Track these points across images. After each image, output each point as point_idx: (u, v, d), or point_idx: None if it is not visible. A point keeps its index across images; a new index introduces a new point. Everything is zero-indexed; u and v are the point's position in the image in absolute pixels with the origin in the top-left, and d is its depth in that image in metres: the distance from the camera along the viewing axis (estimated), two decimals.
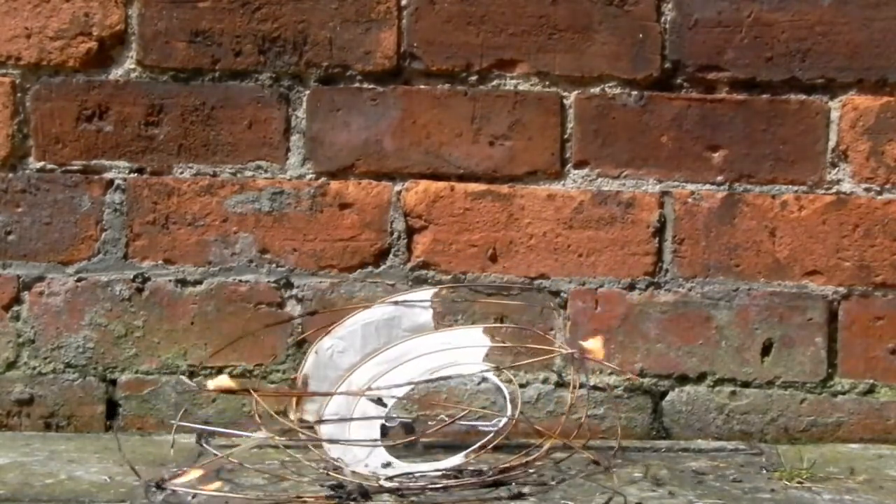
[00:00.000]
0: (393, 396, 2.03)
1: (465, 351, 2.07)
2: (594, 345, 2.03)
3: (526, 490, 1.85)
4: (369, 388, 2.03)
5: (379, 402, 2.04)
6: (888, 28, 2.15)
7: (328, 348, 2.07)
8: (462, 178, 2.19)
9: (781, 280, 2.18)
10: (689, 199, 2.18)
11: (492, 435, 1.97)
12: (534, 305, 2.18)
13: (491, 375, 2.08)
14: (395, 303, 2.10)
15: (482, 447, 1.94)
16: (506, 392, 2.07)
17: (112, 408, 2.22)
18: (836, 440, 2.18)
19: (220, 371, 2.19)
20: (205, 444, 2.02)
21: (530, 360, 2.11)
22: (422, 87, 2.18)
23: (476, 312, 2.18)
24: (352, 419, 2.01)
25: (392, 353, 2.08)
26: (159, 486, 1.82)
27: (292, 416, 2.02)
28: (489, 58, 2.18)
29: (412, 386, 2.05)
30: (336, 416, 2.01)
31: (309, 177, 2.20)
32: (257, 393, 2.00)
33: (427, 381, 2.06)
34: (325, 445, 1.96)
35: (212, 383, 2.03)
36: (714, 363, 2.19)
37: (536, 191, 2.18)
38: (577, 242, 2.19)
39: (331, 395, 2.03)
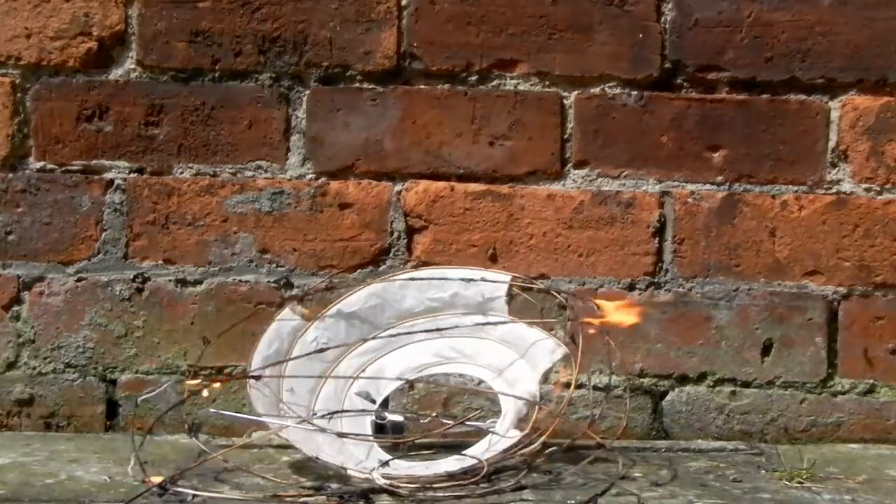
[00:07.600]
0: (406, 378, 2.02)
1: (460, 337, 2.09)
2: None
3: (527, 491, 1.85)
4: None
5: (367, 398, 2.04)
6: (888, 28, 2.15)
7: (312, 340, 2.05)
8: (462, 178, 2.19)
9: (781, 280, 2.18)
10: (689, 199, 2.18)
11: (502, 443, 1.95)
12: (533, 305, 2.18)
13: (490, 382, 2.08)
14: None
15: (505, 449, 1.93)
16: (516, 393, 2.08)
17: (112, 408, 2.22)
18: (836, 440, 2.18)
19: (219, 371, 2.19)
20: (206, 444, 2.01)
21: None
22: (422, 87, 2.18)
23: None
24: (343, 412, 1.99)
25: (375, 344, 2.07)
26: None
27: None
28: (489, 58, 2.17)
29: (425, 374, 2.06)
30: (325, 410, 1.99)
31: (309, 177, 2.20)
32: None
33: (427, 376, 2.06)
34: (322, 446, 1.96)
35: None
36: (714, 363, 2.19)
37: (536, 191, 2.18)
38: (577, 242, 2.19)
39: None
